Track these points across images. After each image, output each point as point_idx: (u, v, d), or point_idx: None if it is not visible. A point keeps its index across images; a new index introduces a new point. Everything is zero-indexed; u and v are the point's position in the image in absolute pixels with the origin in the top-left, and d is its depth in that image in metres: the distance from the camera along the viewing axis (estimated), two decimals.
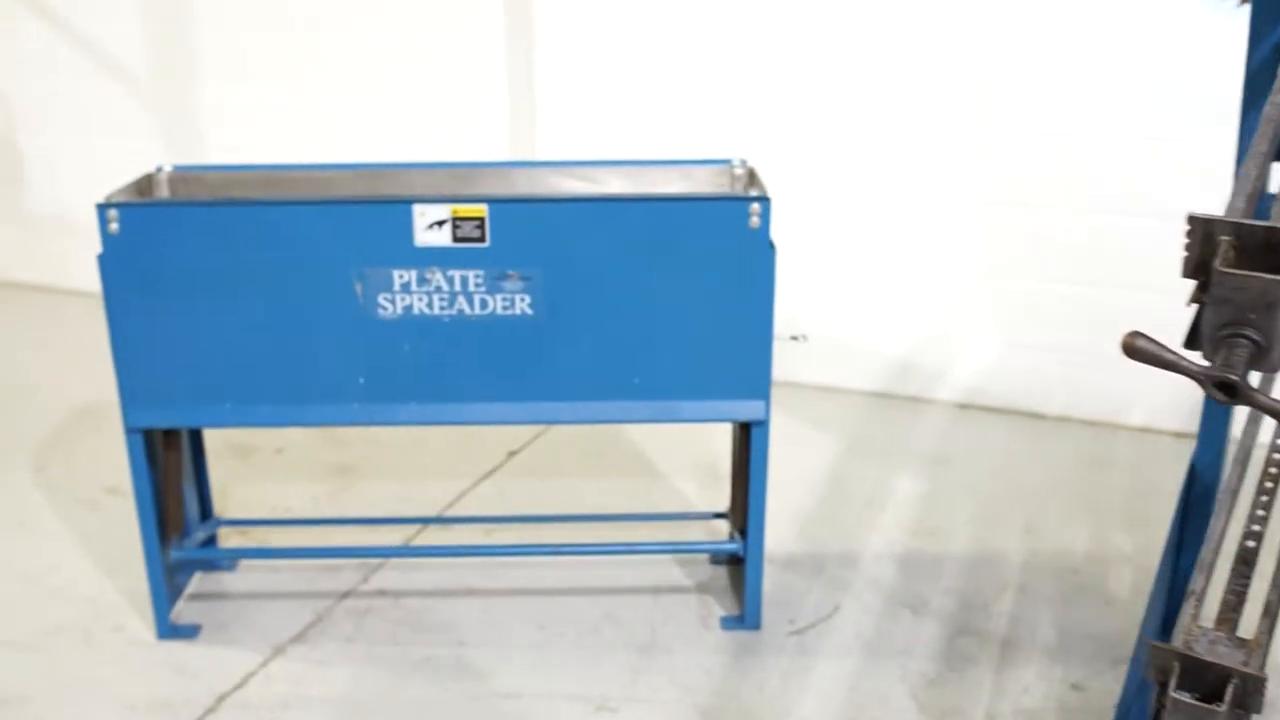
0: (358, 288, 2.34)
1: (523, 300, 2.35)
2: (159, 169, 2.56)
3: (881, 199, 3.76)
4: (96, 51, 4.60)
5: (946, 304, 3.81)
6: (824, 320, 3.77)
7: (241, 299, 2.34)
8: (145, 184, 2.53)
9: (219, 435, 3.34)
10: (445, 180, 2.59)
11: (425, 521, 3.05)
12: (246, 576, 2.83)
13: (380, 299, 2.34)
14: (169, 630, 2.57)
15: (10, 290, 5.01)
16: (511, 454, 3.43)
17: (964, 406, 3.86)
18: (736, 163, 2.61)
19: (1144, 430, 3.66)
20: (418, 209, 2.30)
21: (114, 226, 2.28)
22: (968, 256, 3.74)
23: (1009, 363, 3.79)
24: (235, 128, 4.51)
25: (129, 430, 2.41)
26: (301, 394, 2.40)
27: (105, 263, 2.31)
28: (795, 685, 2.45)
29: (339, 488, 3.27)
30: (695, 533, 3.01)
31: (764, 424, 2.46)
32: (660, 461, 3.44)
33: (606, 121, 3.93)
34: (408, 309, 2.35)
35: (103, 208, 2.28)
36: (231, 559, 2.80)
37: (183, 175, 2.58)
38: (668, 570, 2.85)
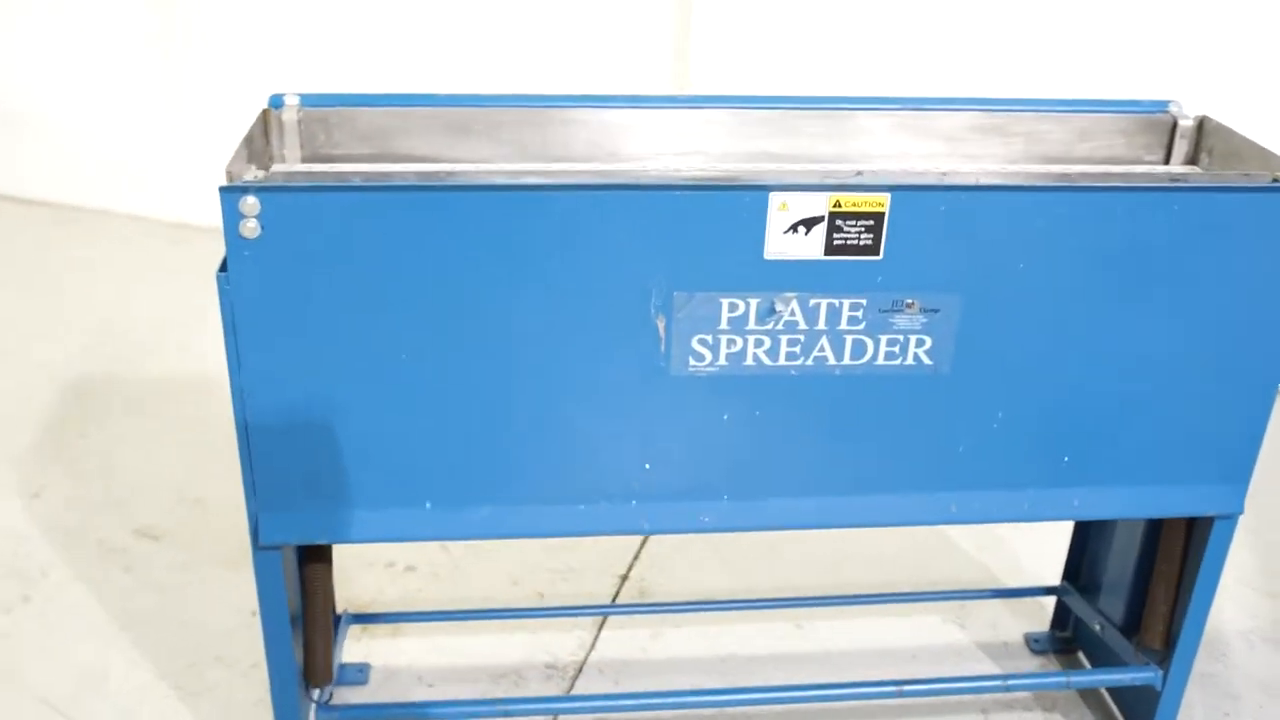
0: (660, 325, 1.41)
1: (920, 344, 1.46)
2: (279, 102, 1.56)
3: None
4: None
5: None
6: None
7: (462, 342, 1.40)
8: (262, 131, 1.54)
9: None
10: (720, 132, 1.64)
11: (614, 611, 2.15)
12: (389, 688, 1.95)
13: (694, 343, 1.42)
14: None
15: None
16: None
17: None
18: (1174, 107, 1.71)
19: None
20: (777, 200, 1.36)
21: (251, 226, 1.31)
22: None
23: None
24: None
25: (261, 548, 1.48)
26: (548, 489, 1.49)
27: (235, 285, 1.34)
28: None
29: None
30: (999, 612, 2.17)
31: (1232, 519, 1.64)
32: None
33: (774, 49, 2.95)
34: (736, 358, 1.44)
35: (231, 193, 1.29)
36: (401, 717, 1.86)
37: (319, 114, 1.57)
38: (974, 664, 2.05)
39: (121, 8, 3.53)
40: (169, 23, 3.51)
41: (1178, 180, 1.47)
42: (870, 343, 1.45)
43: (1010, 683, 1.79)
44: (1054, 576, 2.14)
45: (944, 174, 1.42)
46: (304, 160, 1.58)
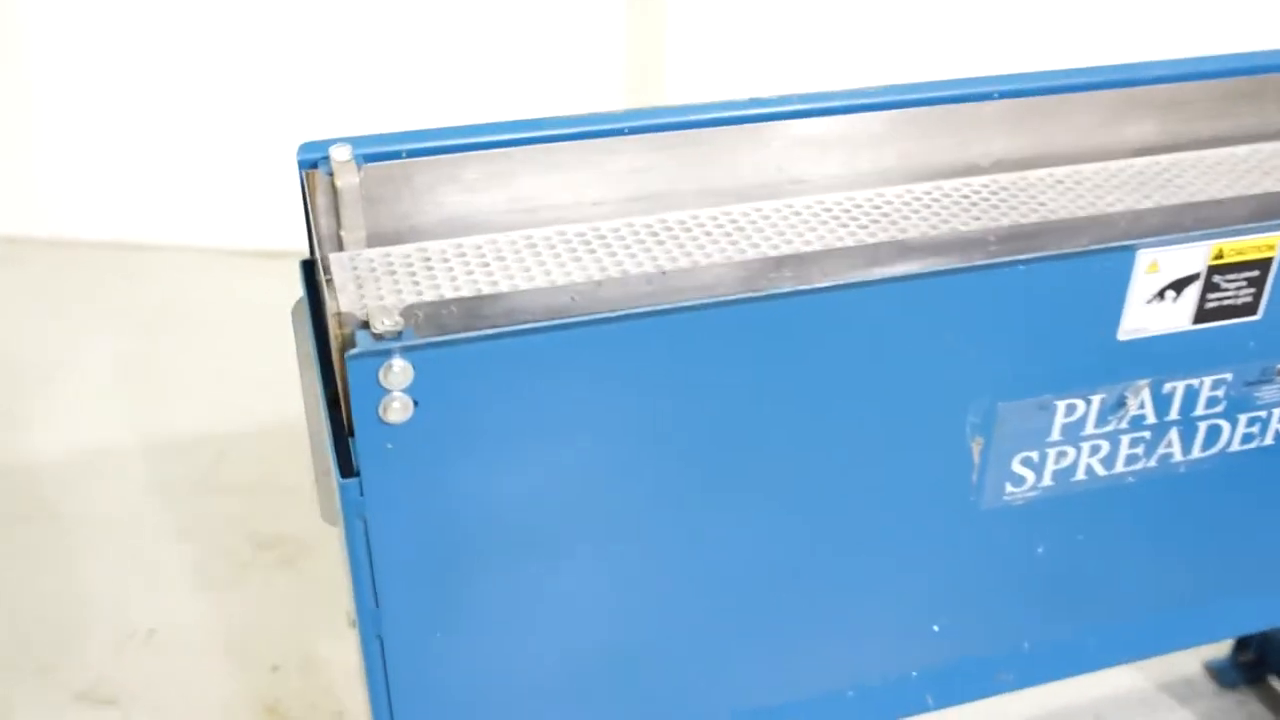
0: (975, 449, 0.98)
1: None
2: (322, 160, 1.02)
3: None
4: None
5: None
6: None
7: (695, 513, 0.94)
8: (313, 215, 1.01)
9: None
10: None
11: None
12: None
13: (1015, 465, 1.00)
14: None
15: None
16: None
17: None
18: None
19: None
20: (1145, 259, 0.94)
21: (398, 407, 0.81)
22: None
23: None
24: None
25: None
26: (804, 681, 1.05)
27: (372, 496, 0.84)
28: None
29: None
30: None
31: None
32: None
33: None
34: (1064, 475, 1.02)
35: (364, 361, 0.79)
36: None
37: (384, 171, 1.04)
38: (1168, 713, 1.74)
39: None
40: None
41: None
42: (1227, 426, 1.06)
43: None
44: None
45: None
46: (369, 243, 1.05)
